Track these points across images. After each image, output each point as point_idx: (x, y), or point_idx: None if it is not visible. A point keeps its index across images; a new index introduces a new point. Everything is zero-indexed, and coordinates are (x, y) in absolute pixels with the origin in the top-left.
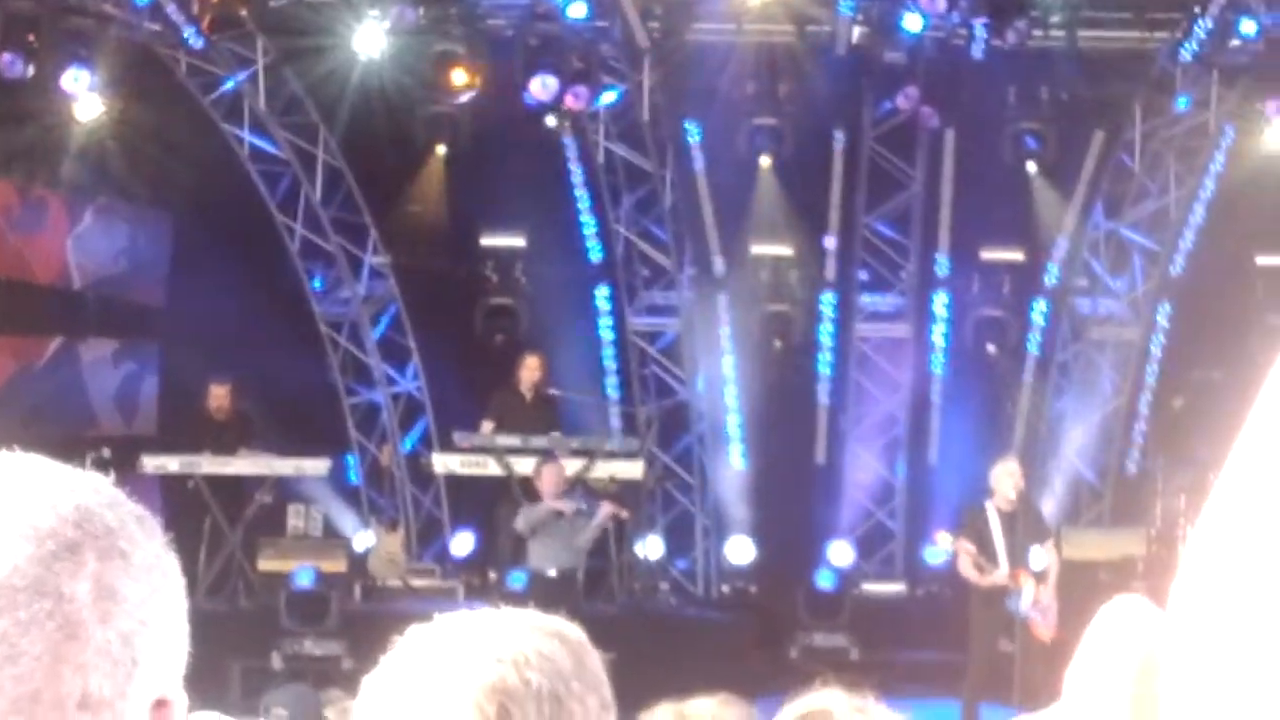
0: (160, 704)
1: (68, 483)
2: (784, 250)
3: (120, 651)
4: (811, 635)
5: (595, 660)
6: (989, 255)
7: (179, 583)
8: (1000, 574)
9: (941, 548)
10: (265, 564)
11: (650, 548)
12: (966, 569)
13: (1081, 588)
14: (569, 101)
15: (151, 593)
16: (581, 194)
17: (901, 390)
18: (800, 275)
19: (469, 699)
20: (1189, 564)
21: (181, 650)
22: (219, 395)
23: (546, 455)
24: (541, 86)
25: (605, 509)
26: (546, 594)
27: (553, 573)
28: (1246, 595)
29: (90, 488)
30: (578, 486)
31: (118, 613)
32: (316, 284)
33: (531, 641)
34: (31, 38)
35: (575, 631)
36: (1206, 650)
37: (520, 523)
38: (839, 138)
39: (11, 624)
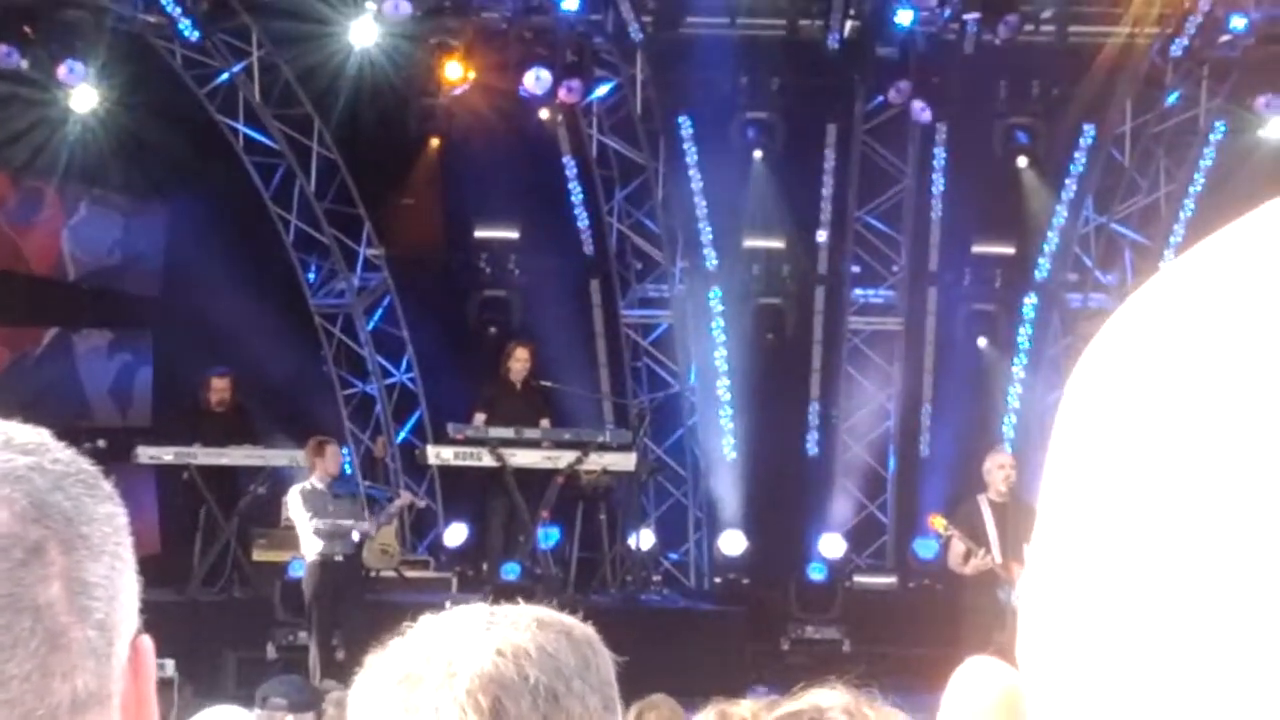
0: (132, 648)
1: (9, 461)
2: (776, 243)
3: (100, 642)
4: (803, 627)
5: (603, 659)
6: (980, 249)
7: (125, 520)
8: (987, 559)
9: (935, 529)
10: (260, 555)
11: (643, 540)
12: (955, 563)
13: None
14: (562, 95)
15: (113, 561)
16: (574, 187)
17: (893, 383)
18: (792, 268)
19: (464, 689)
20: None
21: (136, 581)
22: (220, 388)
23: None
24: (535, 80)
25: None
26: (334, 579)
27: (340, 558)
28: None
29: (33, 464)
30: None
31: (91, 605)
32: (310, 276)
33: (535, 636)
34: (27, 29)
35: (585, 630)
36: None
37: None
38: (831, 131)
39: None
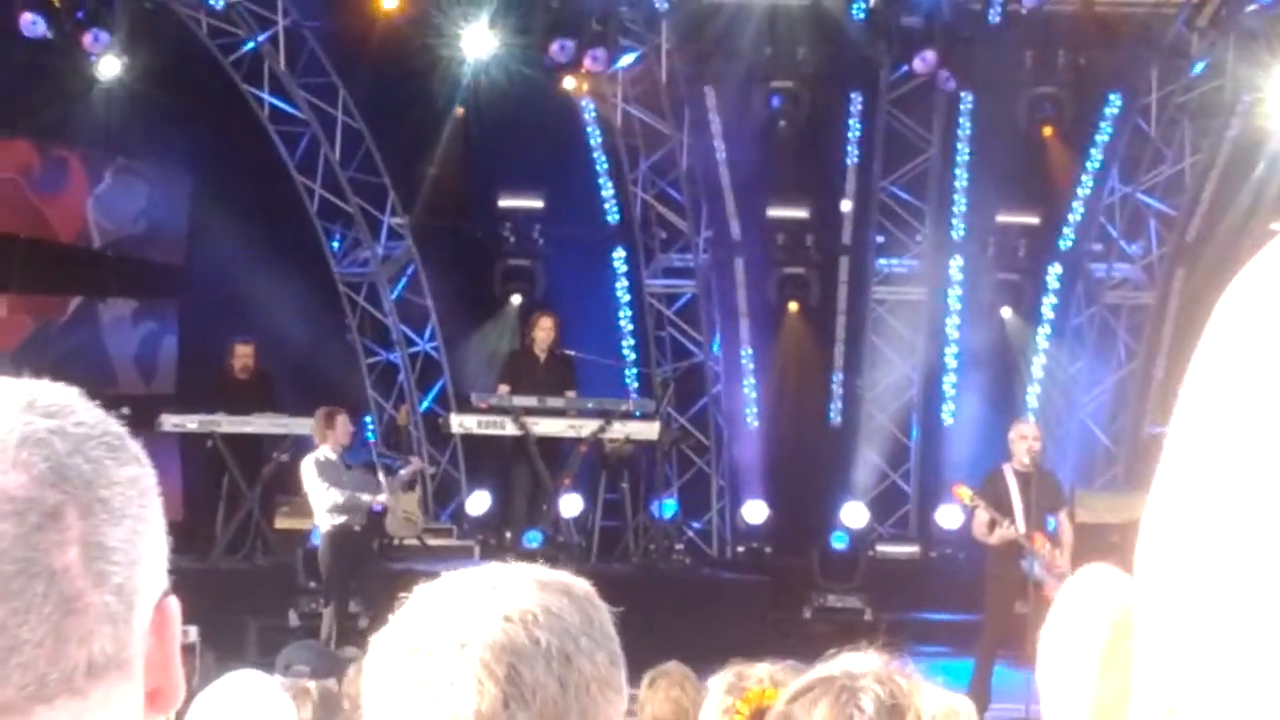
0: (157, 609)
1: (29, 424)
2: (800, 213)
3: (118, 607)
4: (825, 596)
5: (604, 615)
6: (1005, 219)
7: (151, 482)
8: (1011, 529)
9: (960, 499)
10: (282, 523)
11: (665, 508)
12: (980, 532)
13: (1094, 550)
14: (587, 64)
15: (135, 524)
16: (599, 156)
17: (916, 353)
18: (816, 238)
19: (477, 659)
20: (1149, 523)
21: (164, 542)
22: (244, 354)
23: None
24: (560, 49)
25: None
26: (351, 550)
27: (356, 528)
28: (1206, 551)
29: (55, 427)
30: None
31: (110, 569)
32: (335, 244)
33: (539, 599)
34: None
35: (582, 585)
36: (1171, 608)
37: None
38: (856, 101)
39: (8, 614)
